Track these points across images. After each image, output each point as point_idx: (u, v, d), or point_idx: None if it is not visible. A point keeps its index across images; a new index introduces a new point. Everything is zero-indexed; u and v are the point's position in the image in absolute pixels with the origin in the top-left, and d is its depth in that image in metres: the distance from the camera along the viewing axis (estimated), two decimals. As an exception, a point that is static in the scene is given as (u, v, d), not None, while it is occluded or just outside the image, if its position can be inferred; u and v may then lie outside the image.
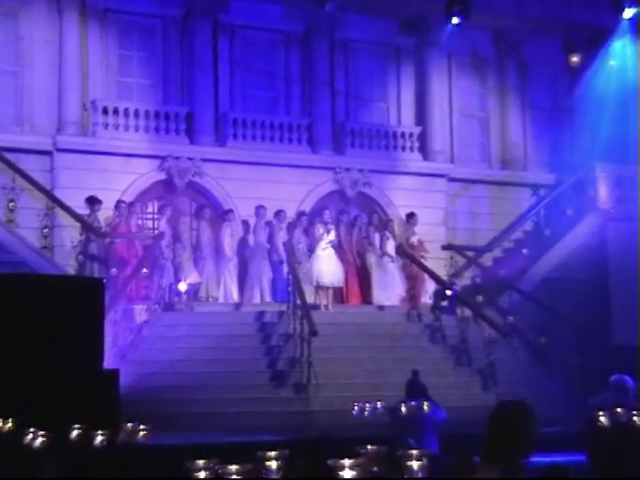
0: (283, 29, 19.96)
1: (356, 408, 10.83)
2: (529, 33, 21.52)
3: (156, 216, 18.18)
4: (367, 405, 10.73)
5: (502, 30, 21.50)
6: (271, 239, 18.05)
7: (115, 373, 10.09)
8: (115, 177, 17.70)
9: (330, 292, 17.11)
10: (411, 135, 20.40)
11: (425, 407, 9.84)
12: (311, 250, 17.47)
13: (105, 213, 17.12)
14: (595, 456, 8.51)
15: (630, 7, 19.32)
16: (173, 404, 13.43)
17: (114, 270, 16.02)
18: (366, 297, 18.25)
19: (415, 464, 4.20)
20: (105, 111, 17.94)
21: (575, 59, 21.41)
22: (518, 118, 21.81)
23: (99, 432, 6.40)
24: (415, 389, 10.43)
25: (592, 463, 8.53)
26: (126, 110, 18.08)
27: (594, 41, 21.33)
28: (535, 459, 9.07)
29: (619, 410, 6.92)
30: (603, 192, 19.88)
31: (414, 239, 18.68)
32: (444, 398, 11.35)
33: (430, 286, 18.17)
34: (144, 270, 16.28)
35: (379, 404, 10.67)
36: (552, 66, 21.95)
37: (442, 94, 21.06)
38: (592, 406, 8.86)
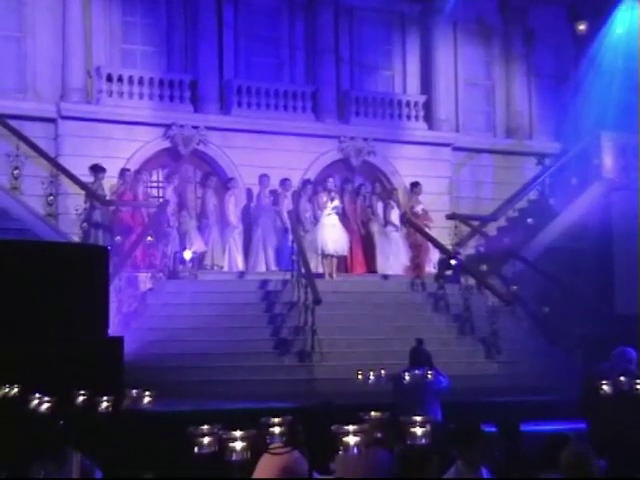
0: (287, -5, 19.84)
1: (360, 376, 10.88)
2: (535, 0, 21.37)
3: (161, 184, 18.18)
4: (371, 373, 10.77)
5: (508, -3, 21.38)
6: (276, 207, 18.05)
7: (119, 340, 10.13)
8: (119, 145, 17.67)
9: (334, 261, 17.11)
10: (416, 104, 20.32)
11: (428, 375, 9.87)
12: (316, 219, 17.47)
13: (109, 181, 17.12)
14: (595, 423, 8.57)
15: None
16: (177, 371, 13.49)
17: (119, 238, 16.05)
18: (370, 266, 18.27)
19: (418, 430, 4.23)
20: (109, 78, 17.87)
21: (581, 27, 21.25)
22: (523, 86, 21.71)
23: (104, 398, 6.45)
24: (419, 357, 10.46)
25: (592, 430, 8.59)
26: (130, 77, 18.01)
27: (600, 9, 21.17)
28: (537, 427, 9.15)
29: (622, 378, 6.95)
30: (608, 161, 19.82)
31: (418, 208, 18.66)
32: (447, 366, 11.39)
33: (434, 255, 18.19)
34: (149, 238, 16.30)
35: (382, 372, 10.71)
36: (558, 34, 21.81)
37: (447, 62, 20.96)
38: (593, 374, 8.89)
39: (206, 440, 4.33)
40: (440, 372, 10.25)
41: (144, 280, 15.81)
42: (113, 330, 11.74)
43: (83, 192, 16.49)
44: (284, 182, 18.19)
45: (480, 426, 6.09)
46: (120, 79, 17.92)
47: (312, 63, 19.85)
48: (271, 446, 4.56)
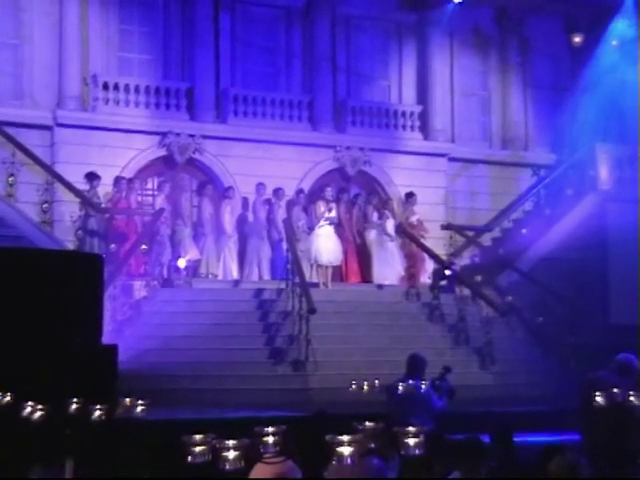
0: (284, 4, 19.88)
1: (354, 386, 10.85)
2: (532, 11, 21.45)
3: (155, 193, 18.17)
4: (365, 383, 10.75)
5: (505, 7, 21.42)
6: (270, 217, 18.05)
7: (113, 348, 10.09)
8: (115, 153, 17.67)
9: (329, 270, 17.11)
10: (412, 114, 20.36)
11: (422, 386, 9.83)
12: (311, 228, 17.46)
13: (104, 189, 17.11)
14: (589, 434, 8.54)
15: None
16: (171, 380, 13.46)
17: (113, 246, 16.03)
18: (365, 276, 18.26)
19: (412, 440, 4.22)
20: (105, 86, 17.89)
21: (577, 39, 21.32)
22: (520, 97, 21.76)
23: (97, 406, 6.42)
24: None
25: (586, 441, 8.56)
26: (126, 85, 18.03)
27: (597, 20, 21.26)
28: (531, 438, 9.13)
29: (615, 390, 6.92)
30: (603, 173, 19.86)
31: (414, 218, 18.68)
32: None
33: (429, 265, 18.19)
34: (143, 246, 16.29)
35: (377, 382, 10.69)
36: (554, 45, 21.89)
37: (443, 72, 21.00)
38: (587, 384, 8.83)
39: (199, 449, 4.31)
40: (441, 396, 10.10)
41: (139, 288, 15.80)
42: (107, 338, 11.70)
43: (78, 200, 16.49)
44: (277, 191, 18.19)
45: (482, 440, 6.09)
46: (116, 87, 17.94)
47: (309, 72, 19.88)
48: (265, 455, 4.55)
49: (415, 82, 20.88)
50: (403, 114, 20.30)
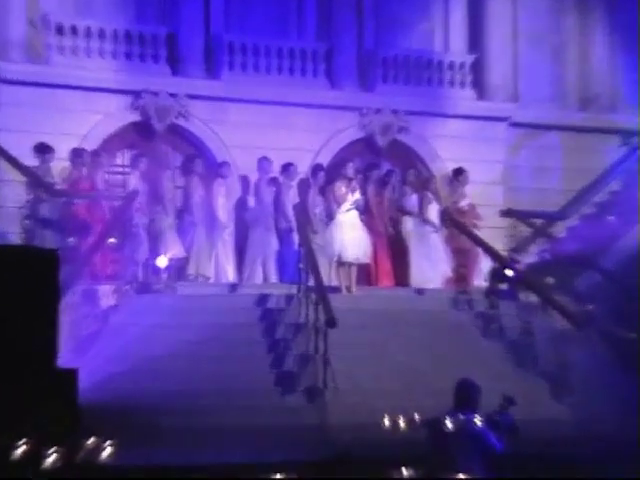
0: None
1: (387, 421, 10.87)
2: None
3: (127, 169, 18.20)
4: (401, 417, 10.77)
5: None
6: (278, 201, 18.07)
7: (73, 373, 10.13)
8: (73, 118, 17.76)
9: (354, 270, 17.12)
10: (462, 66, 20.40)
11: (477, 421, 9.85)
12: (330, 216, 17.47)
13: (60, 165, 17.16)
14: None
15: None
16: (149, 413, 13.50)
17: (72, 239, 16.10)
18: (401, 277, 18.30)
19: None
20: (60, 30, 17.97)
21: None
22: (604, 43, 21.70)
23: (51, 450, 6.45)
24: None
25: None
26: (88, 29, 18.12)
27: None
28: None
29: None
30: None
31: (464, 203, 18.71)
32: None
33: (484, 264, 18.19)
34: (111, 240, 16.34)
35: (416, 416, 10.71)
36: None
37: (503, 11, 21.02)
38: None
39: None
40: (499, 437, 10.11)
41: (106, 294, 15.84)
42: (65, 360, 11.75)
43: (25, 179, 16.55)
44: (287, 168, 18.22)
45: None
46: (74, 31, 18.04)
47: (327, 14, 19.96)
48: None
49: (466, 25, 20.92)
50: (450, 66, 20.33)
